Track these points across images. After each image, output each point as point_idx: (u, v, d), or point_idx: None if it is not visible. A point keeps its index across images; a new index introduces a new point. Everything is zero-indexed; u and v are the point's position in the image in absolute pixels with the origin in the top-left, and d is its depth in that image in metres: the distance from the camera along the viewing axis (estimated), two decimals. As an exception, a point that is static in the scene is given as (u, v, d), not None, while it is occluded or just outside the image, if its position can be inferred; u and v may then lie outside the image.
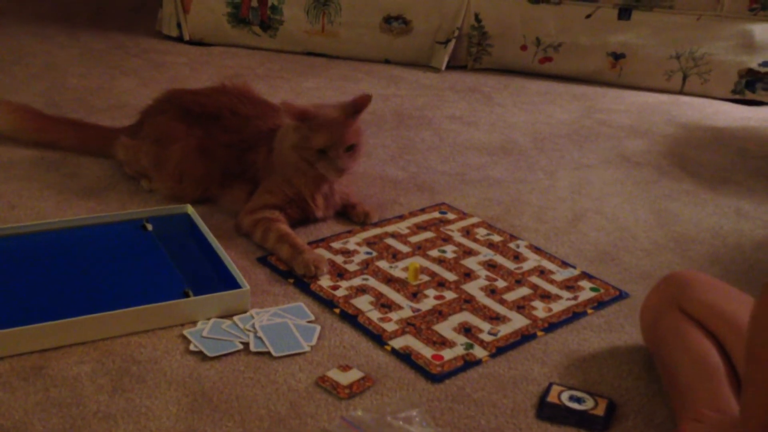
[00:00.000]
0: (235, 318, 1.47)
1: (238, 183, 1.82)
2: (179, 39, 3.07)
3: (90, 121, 2.16)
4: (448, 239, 1.78)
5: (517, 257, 1.73)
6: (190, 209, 1.78)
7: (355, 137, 1.71)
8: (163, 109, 1.91)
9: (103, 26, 3.23)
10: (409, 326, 1.48)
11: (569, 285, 1.64)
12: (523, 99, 2.74)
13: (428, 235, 1.80)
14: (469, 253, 1.73)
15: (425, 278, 1.63)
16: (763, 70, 2.80)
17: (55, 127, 2.09)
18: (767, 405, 1.01)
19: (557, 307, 1.56)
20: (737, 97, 2.84)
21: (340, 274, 1.63)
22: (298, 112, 1.68)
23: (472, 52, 2.98)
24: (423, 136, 2.37)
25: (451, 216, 1.89)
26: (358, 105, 1.72)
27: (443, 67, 2.96)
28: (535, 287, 1.62)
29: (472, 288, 1.61)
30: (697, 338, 1.28)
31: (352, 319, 1.49)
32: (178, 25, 3.06)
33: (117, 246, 1.67)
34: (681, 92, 2.88)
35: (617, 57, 2.89)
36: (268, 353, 1.39)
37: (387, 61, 3.02)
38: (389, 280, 1.61)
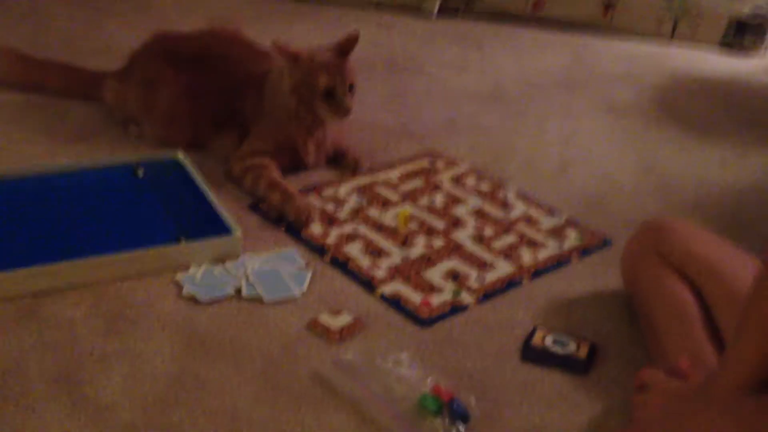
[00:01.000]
0: (227, 263, 1.49)
1: (228, 128, 1.81)
2: (166, -19, 3.02)
3: (77, 65, 2.14)
4: (437, 187, 1.80)
5: (505, 205, 1.75)
6: (180, 155, 1.78)
7: (353, 76, 1.71)
8: (151, 52, 1.89)
9: (88, -33, 3.16)
10: (398, 273, 1.50)
11: (555, 233, 1.66)
12: (514, 45, 2.73)
13: (418, 183, 1.81)
14: (458, 201, 1.75)
15: (414, 226, 1.65)
16: (752, 21, 2.79)
17: (42, 69, 2.07)
18: (751, 361, 1.04)
19: (543, 254, 1.59)
20: (726, 44, 2.83)
21: (330, 221, 1.65)
22: (292, 53, 1.67)
23: (464, -3, 2.95)
24: (413, 83, 2.37)
25: (440, 164, 1.90)
26: (348, 44, 1.72)
27: (435, 11, 2.93)
28: (521, 235, 1.65)
29: (461, 236, 1.63)
30: (674, 284, 1.31)
31: (342, 265, 1.52)
32: (165, -33, 3.00)
33: (108, 191, 1.67)
34: (671, 38, 2.87)
35: (609, 3, 2.87)
36: (260, 299, 1.41)
37: (378, 5, 2.99)
38: (379, 228, 1.64)
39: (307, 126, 1.75)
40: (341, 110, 1.69)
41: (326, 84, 1.66)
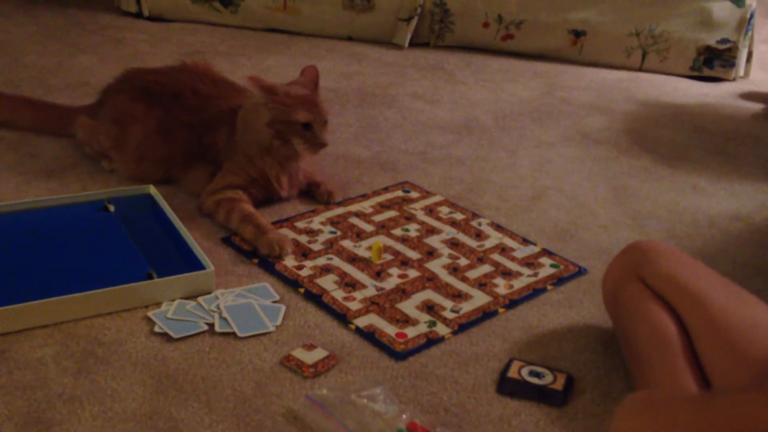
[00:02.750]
0: (200, 299, 1.47)
1: (199, 164, 1.81)
2: (138, 15, 3.03)
3: (48, 100, 2.13)
4: (411, 218, 1.80)
5: (479, 235, 1.75)
6: (152, 189, 1.77)
7: (326, 111, 1.73)
8: (123, 88, 1.89)
9: (60, 2, 3.16)
10: (372, 305, 1.50)
11: (530, 262, 1.67)
12: (485, 77, 2.76)
13: (392, 213, 1.81)
14: (432, 231, 1.75)
15: (389, 257, 1.65)
16: (720, 47, 2.84)
17: (13, 106, 2.06)
18: None
19: (518, 283, 1.59)
20: (695, 73, 2.88)
21: (304, 253, 1.64)
22: (269, 87, 1.68)
23: (435, 30, 2.98)
24: (386, 114, 2.38)
25: (414, 195, 1.91)
26: (313, 78, 1.75)
27: (406, 44, 2.96)
28: (496, 264, 1.65)
29: (435, 266, 1.63)
30: (656, 310, 1.30)
31: (316, 298, 1.51)
32: (137, 1, 3.01)
33: (79, 227, 1.65)
34: (641, 69, 2.92)
35: (578, 34, 2.91)
36: (233, 334, 1.40)
37: (349, 38, 3.01)
38: (353, 260, 1.63)
39: (281, 159, 1.75)
40: (318, 144, 1.70)
41: (305, 119, 1.67)
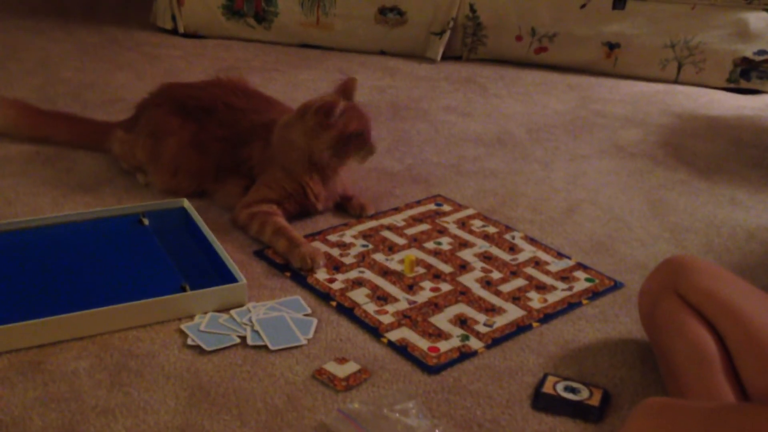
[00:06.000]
0: (232, 312, 1.47)
1: (233, 177, 1.82)
2: (174, 32, 3.07)
3: (85, 116, 2.16)
4: (443, 231, 1.79)
5: (513, 248, 1.73)
6: (186, 203, 1.78)
7: (370, 117, 1.76)
8: (158, 103, 1.91)
9: (97, 20, 3.22)
10: (405, 318, 1.49)
11: (564, 276, 1.64)
12: (518, 89, 2.75)
13: (424, 227, 1.80)
14: (465, 244, 1.74)
15: (421, 270, 1.64)
16: (757, 58, 2.80)
17: (50, 122, 2.09)
18: None
19: (552, 297, 1.57)
20: (732, 85, 2.84)
21: (336, 267, 1.64)
22: (329, 109, 1.68)
23: (467, 43, 2.98)
24: (419, 127, 2.37)
25: (446, 208, 1.90)
26: (351, 90, 1.77)
27: (438, 58, 2.96)
28: (530, 278, 1.63)
29: (468, 280, 1.61)
30: (694, 325, 1.28)
31: (348, 311, 1.50)
32: (173, 18, 3.05)
33: (114, 241, 1.67)
34: (676, 81, 2.88)
35: (612, 47, 2.89)
36: (265, 347, 1.40)
37: (382, 53, 3.02)
38: (385, 273, 1.62)
39: (327, 175, 1.76)
40: (368, 151, 1.75)
41: (357, 127, 1.71)
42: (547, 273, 1.65)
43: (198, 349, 1.39)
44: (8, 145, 2.08)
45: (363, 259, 1.67)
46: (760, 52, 2.80)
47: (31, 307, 1.42)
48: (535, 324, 1.50)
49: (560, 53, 2.93)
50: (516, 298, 1.56)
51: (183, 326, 1.44)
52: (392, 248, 1.71)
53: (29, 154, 2.05)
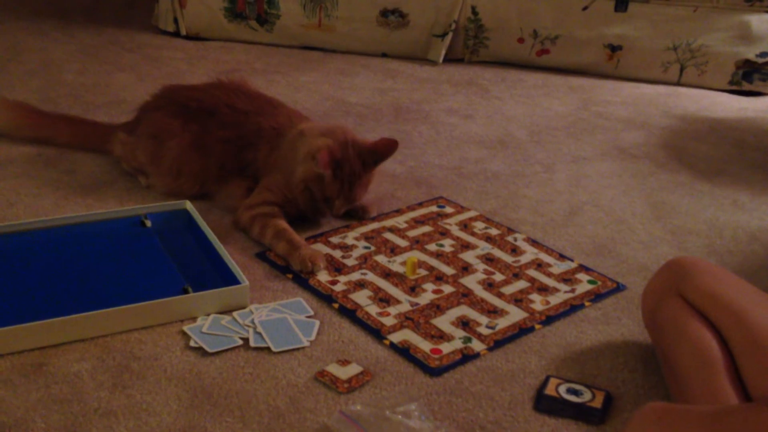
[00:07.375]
0: (235, 314, 1.47)
1: (235, 179, 1.82)
2: (176, 34, 3.07)
3: (86, 118, 2.16)
4: (445, 233, 1.79)
5: (515, 250, 1.73)
6: (188, 205, 1.78)
7: (368, 183, 1.76)
8: (160, 105, 1.91)
9: (98, 22, 3.22)
10: (407, 320, 1.49)
11: (566, 278, 1.64)
12: (520, 91, 2.75)
13: (426, 229, 1.80)
14: (467, 246, 1.74)
15: (423, 272, 1.64)
16: (760, 60, 2.80)
17: (52, 123, 2.09)
18: None
19: (555, 300, 1.57)
20: (734, 88, 2.84)
21: (338, 268, 1.63)
22: (331, 162, 1.67)
23: (469, 45, 2.98)
24: (420, 129, 2.37)
25: (448, 210, 1.89)
26: (383, 154, 1.75)
27: (440, 60, 2.96)
28: (532, 280, 1.63)
29: (470, 282, 1.61)
30: (697, 327, 1.27)
31: (350, 313, 1.50)
32: (175, 20, 3.05)
33: (116, 243, 1.67)
34: (678, 83, 2.88)
35: (614, 49, 2.89)
36: (268, 348, 1.40)
37: (384, 55, 3.02)
38: (387, 275, 1.62)
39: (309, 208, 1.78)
40: (331, 214, 1.76)
41: (333, 194, 1.71)
42: (550, 275, 1.65)
43: (200, 351, 1.39)
44: (10, 147, 2.08)
45: (365, 261, 1.67)
46: (763, 54, 2.80)
47: (33, 309, 1.42)
48: (537, 326, 1.49)
49: (562, 55, 2.93)
50: (518, 300, 1.56)
51: (185, 328, 1.43)
52: (394, 250, 1.71)
53: (31, 155, 2.05)
